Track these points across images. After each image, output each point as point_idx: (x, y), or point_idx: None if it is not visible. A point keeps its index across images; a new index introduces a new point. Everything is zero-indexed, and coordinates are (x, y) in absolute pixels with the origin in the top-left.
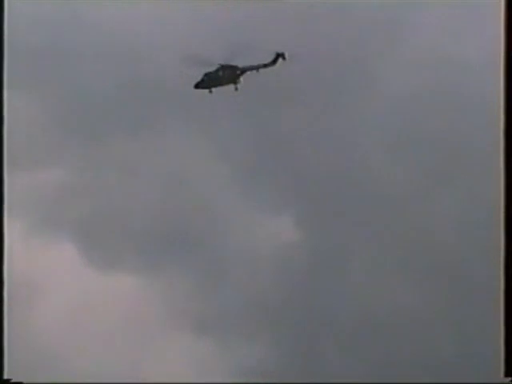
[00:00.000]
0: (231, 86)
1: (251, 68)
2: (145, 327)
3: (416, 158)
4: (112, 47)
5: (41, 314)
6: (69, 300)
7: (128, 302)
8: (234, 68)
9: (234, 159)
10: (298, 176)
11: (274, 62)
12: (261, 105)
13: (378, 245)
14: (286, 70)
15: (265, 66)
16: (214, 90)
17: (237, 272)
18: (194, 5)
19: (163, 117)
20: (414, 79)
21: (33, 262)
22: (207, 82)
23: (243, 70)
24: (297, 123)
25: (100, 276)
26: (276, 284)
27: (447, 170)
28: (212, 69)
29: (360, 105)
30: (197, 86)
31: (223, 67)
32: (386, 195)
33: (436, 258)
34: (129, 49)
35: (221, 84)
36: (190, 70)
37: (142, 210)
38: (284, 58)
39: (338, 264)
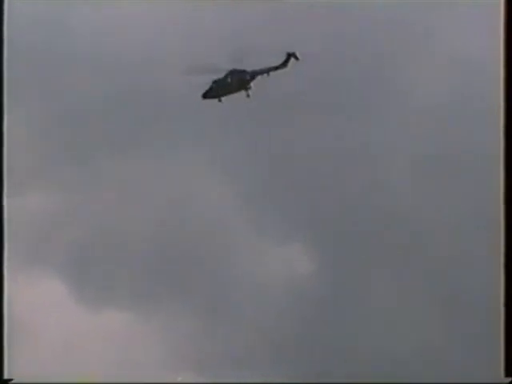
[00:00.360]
0: (242, 94)
1: (261, 72)
2: (140, 369)
3: (445, 180)
4: (103, 55)
5: (25, 357)
6: (56, 341)
7: (122, 342)
8: (243, 73)
9: (240, 180)
10: (310, 199)
11: (286, 63)
12: (270, 118)
13: (398, 274)
14: (299, 77)
15: (276, 68)
16: (223, 99)
17: (243, 306)
18: (189, 7)
19: (161, 133)
20: (440, 86)
21: (16, 300)
22: (216, 90)
23: (253, 75)
24: (311, 138)
25: (91, 314)
26: (287, 318)
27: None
28: (220, 75)
29: (383, 116)
30: (205, 95)
31: (232, 73)
32: (409, 221)
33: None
34: (121, 57)
35: (230, 91)
36: (195, 80)
37: (137, 239)
38: (297, 58)
39: (355, 296)
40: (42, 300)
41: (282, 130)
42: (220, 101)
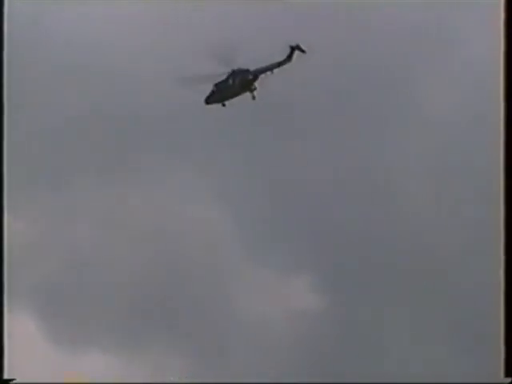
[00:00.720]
0: (247, 96)
1: (265, 70)
2: None
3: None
4: (90, 67)
5: None
6: None
7: None
8: (245, 73)
9: (237, 208)
10: (315, 232)
11: (290, 57)
12: (273, 139)
13: (410, 311)
14: (307, 94)
15: (279, 64)
16: (227, 103)
17: (241, 348)
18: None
19: (147, 154)
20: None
21: None
22: (218, 94)
23: (256, 74)
24: (315, 160)
25: (68, 357)
26: (290, 362)
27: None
28: (221, 78)
29: (397, 133)
30: (207, 100)
31: (233, 73)
32: (422, 256)
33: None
34: (108, 71)
35: (234, 94)
36: (190, 90)
37: (120, 272)
38: (302, 51)
39: (365, 334)
40: (11, 343)
41: (286, 153)
42: (224, 105)
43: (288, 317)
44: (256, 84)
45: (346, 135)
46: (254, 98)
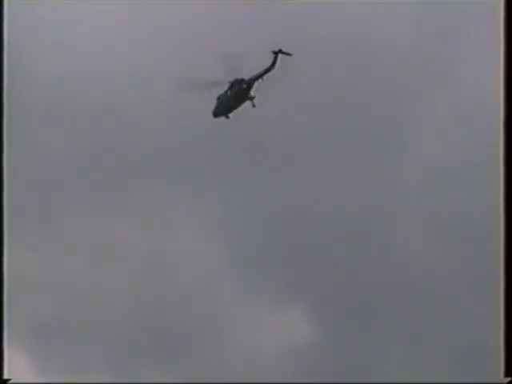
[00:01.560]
0: (248, 105)
1: (256, 78)
2: None
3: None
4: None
5: None
6: None
7: None
8: (240, 82)
9: (232, 238)
10: (310, 262)
11: (274, 62)
12: (268, 174)
13: (411, 344)
14: (304, 134)
15: (266, 70)
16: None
17: (233, 379)
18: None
19: (142, 187)
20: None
21: None
22: (221, 106)
23: (249, 83)
24: (311, 198)
25: None
26: None
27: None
28: (221, 90)
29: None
30: (214, 114)
31: (231, 84)
32: (418, 289)
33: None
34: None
35: (235, 105)
36: (189, 95)
37: (111, 305)
38: (286, 53)
39: (361, 366)
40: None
41: (284, 188)
42: (228, 117)
43: (281, 347)
44: (252, 92)
45: (344, 173)
46: (254, 105)
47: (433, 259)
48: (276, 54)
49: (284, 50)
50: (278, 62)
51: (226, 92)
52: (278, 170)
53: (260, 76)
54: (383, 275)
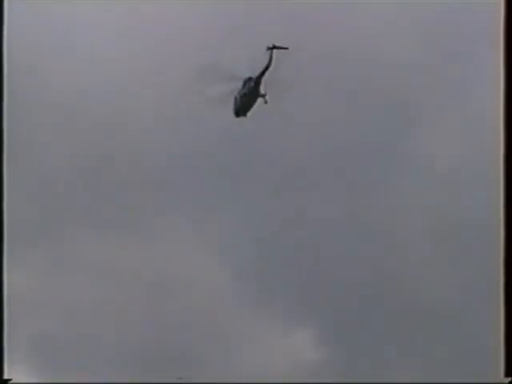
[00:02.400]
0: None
1: (260, 75)
2: None
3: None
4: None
5: None
6: None
7: None
8: (249, 81)
9: (238, 258)
10: (319, 281)
11: (270, 60)
12: (272, 189)
13: (423, 363)
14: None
15: (266, 68)
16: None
17: None
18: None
19: (142, 204)
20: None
21: None
22: (240, 106)
23: (256, 81)
24: (315, 210)
25: None
26: None
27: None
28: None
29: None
30: (235, 114)
31: (244, 83)
32: (428, 308)
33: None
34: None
35: (249, 103)
36: (207, 88)
37: (118, 327)
38: (281, 48)
39: None
40: None
41: (286, 207)
42: (245, 116)
43: (289, 369)
44: (261, 89)
45: (345, 188)
46: (266, 102)
47: (433, 260)
48: (271, 49)
49: (277, 44)
50: (274, 57)
51: (239, 92)
52: (283, 183)
53: (262, 74)
54: (389, 289)
